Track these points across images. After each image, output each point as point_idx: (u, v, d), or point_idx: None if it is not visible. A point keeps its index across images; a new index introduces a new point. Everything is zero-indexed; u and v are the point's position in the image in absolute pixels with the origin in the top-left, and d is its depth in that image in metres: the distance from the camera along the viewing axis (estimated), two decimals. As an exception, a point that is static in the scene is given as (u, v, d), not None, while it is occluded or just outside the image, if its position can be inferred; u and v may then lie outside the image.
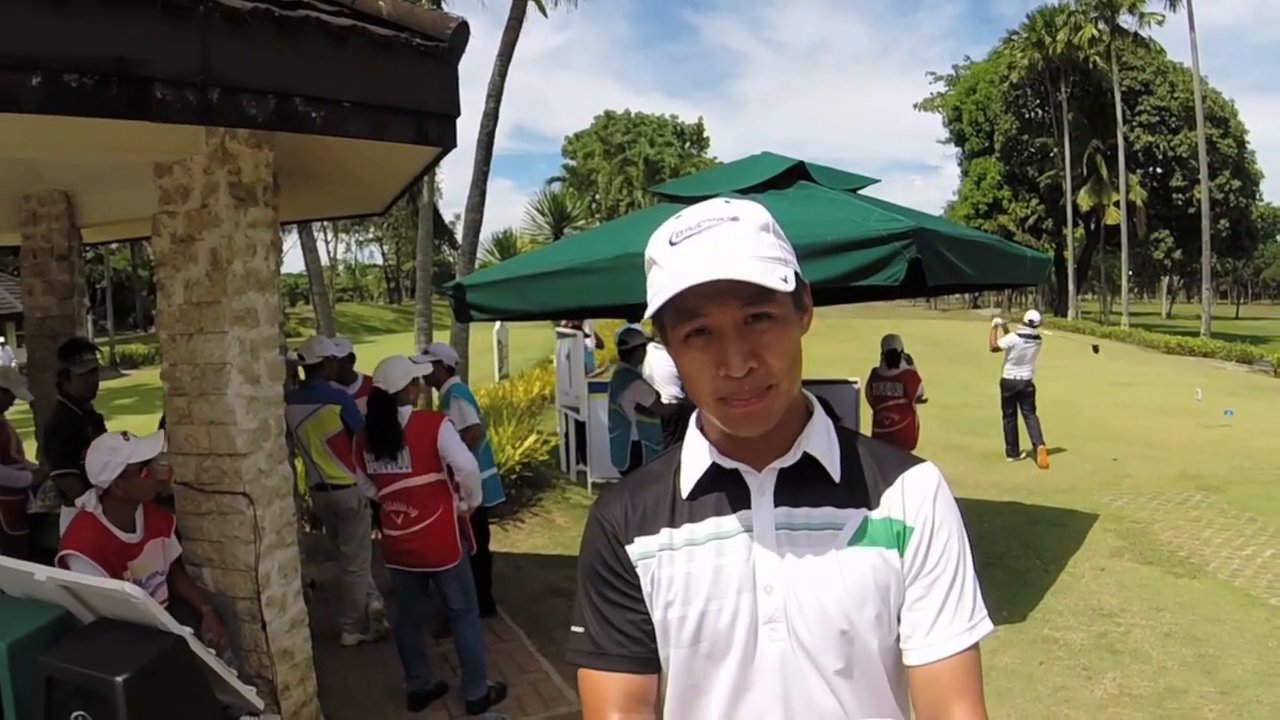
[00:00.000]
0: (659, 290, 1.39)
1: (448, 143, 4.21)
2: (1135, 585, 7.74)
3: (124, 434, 4.27)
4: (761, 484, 1.52)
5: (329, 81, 3.62)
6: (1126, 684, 5.87)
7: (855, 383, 10.29)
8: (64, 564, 3.96)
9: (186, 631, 3.42)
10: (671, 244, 1.41)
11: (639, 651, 1.57)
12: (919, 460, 1.60)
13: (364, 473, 5.62)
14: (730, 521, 1.53)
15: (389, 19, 3.81)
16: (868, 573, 1.49)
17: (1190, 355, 33.56)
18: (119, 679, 3.06)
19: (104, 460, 4.07)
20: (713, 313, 1.38)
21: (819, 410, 1.59)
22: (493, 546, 7.62)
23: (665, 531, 1.56)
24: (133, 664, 3.13)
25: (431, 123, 4.03)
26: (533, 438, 11.84)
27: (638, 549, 1.57)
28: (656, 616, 1.56)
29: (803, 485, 1.52)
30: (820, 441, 1.54)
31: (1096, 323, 50.65)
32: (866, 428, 9.99)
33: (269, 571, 4.60)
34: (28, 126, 3.50)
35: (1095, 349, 15.51)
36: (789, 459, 1.52)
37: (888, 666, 1.52)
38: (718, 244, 1.37)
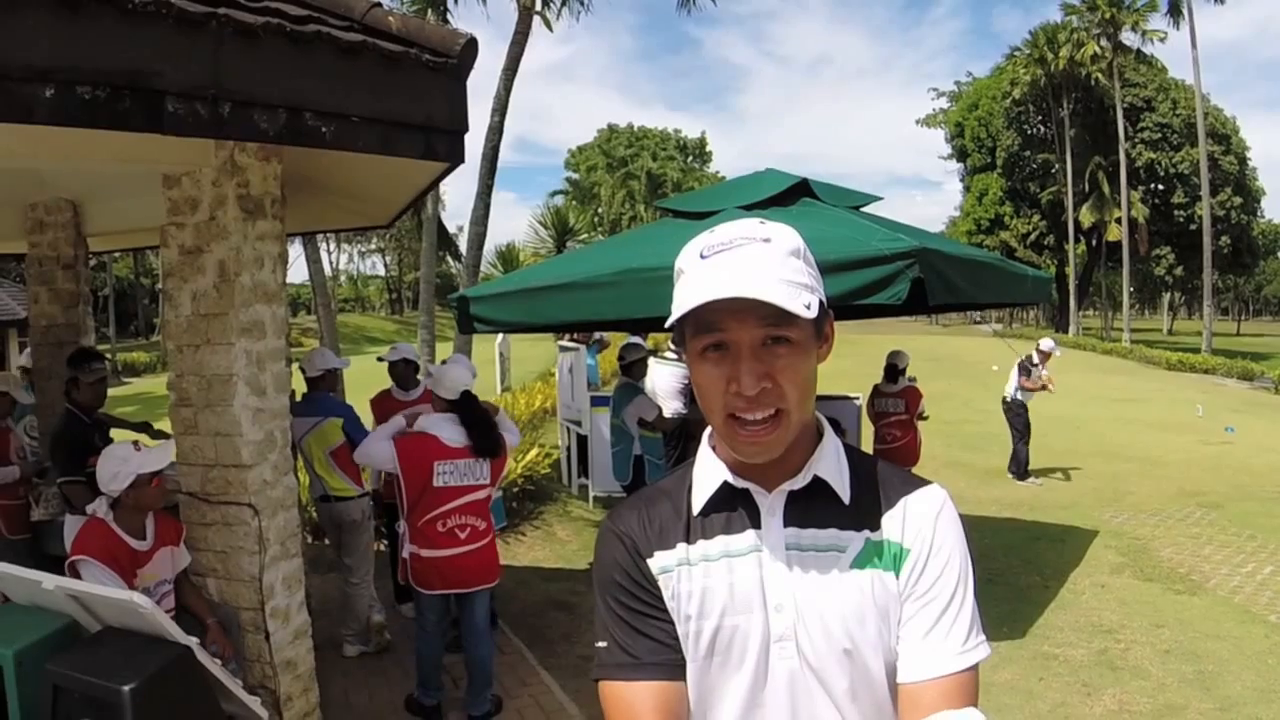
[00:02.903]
0: (683, 301, 1.41)
1: (456, 158, 4.22)
2: (1135, 602, 7.75)
3: (135, 444, 4.27)
4: (772, 505, 1.54)
5: (339, 96, 3.63)
6: (1126, 701, 5.88)
7: (857, 399, 10.30)
8: (74, 569, 3.96)
9: (193, 641, 3.44)
10: (702, 257, 1.43)
11: (672, 658, 1.55)
12: (925, 482, 1.60)
13: (417, 485, 5.35)
14: (740, 540, 1.54)
15: (399, 34, 3.83)
16: (868, 594, 1.50)
17: (1191, 372, 33.58)
18: (126, 688, 3.07)
19: (114, 470, 4.09)
20: (732, 329, 1.40)
21: (829, 432, 1.60)
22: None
23: (681, 546, 1.57)
24: (140, 673, 3.15)
25: (440, 138, 4.04)
26: (534, 451, 11.83)
27: (657, 563, 1.58)
28: (679, 630, 1.56)
29: (812, 506, 1.54)
30: (830, 464, 1.55)
31: (1098, 339, 50.63)
32: (868, 444, 10.00)
33: (273, 583, 4.61)
34: (38, 136, 3.52)
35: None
36: (799, 481, 1.53)
37: (892, 687, 1.52)
38: (747, 263, 1.39)
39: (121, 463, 4.11)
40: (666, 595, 1.57)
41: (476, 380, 5.85)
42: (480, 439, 5.47)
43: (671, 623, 1.56)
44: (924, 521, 1.53)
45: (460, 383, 5.56)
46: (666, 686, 1.54)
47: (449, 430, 5.45)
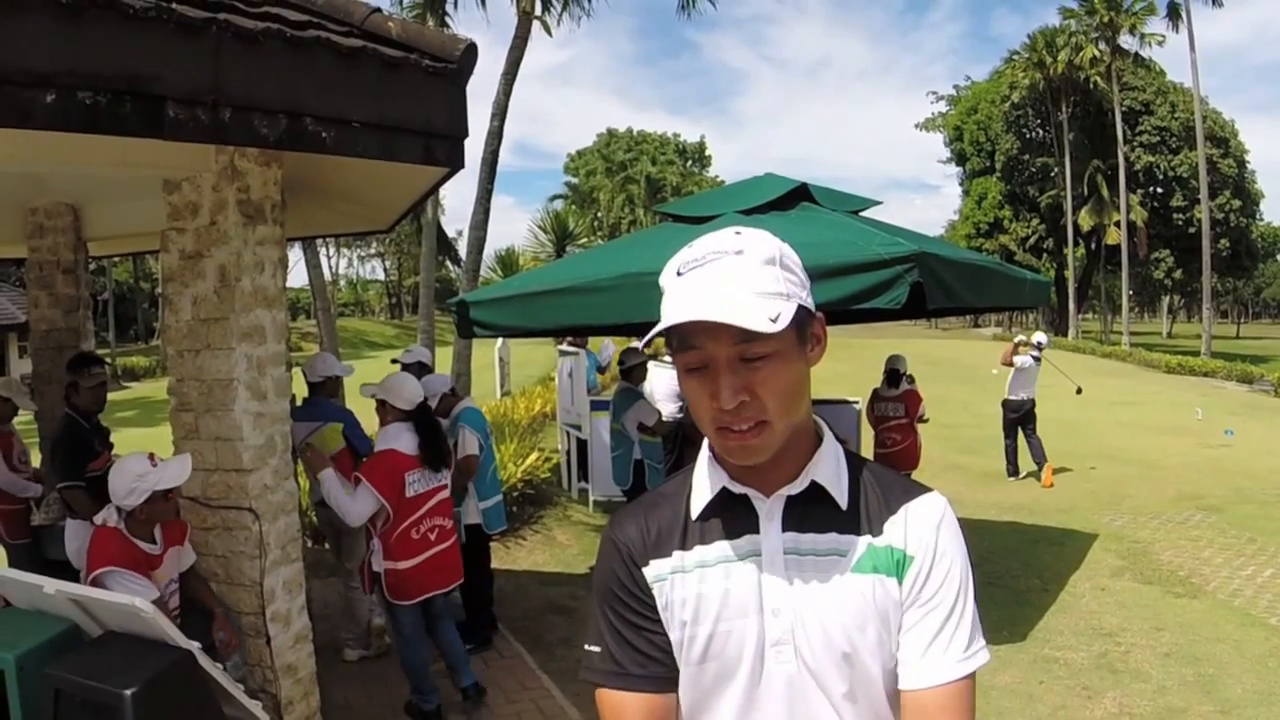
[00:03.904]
0: (661, 319, 1.44)
1: (455, 163, 4.22)
2: (1135, 605, 7.76)
3: (150, 456, 4.18)
4: (770, 510, 1.54)
5: (339, 101, 3.64)
6: (1126, 704, 5.88)
7: (856, 403, 10.30)
8: (100, 582, 3.92)
9: (194, 646, 3.44)
10: (679, 274, 1.45)
11: (660, 671, 1.58)
12: (925, 489, 1.62)
13: (394, 500, 5.38)
14: (739, 545, 1.55)
15: (398, 40, 3.84)
16: (868, 598, 1.51)
17: (1190, 375, 33.54)
18: (127, 692, 3.07)
19: (130, 486, 4.02)
20: (707, 346, 1.42)
21: (829, 437, 1.61)
22: (494, 564, 7.62)
23: (677, 554, 1.58)
24: (141, 677, 3.14)
25: (439, 143, 4.05)
26: (534, 455, 11.83)
27: (652, 571, 1.59)
28: (672, 636, 1.57)
29: (810, 511, 1.54)
30: (828, 469, 1.56)
31: (1097, 342, 50.64)
32: (868, 448, 10.01)
33: (274, 587, 4.61)
34: (39, 141, 3.52)
35: (1079, 391, 15.30)
36: (797, 486, 1.54)
37: (889, 691, 1.53)
38: (717, 280, 1.40)
39: (138, 479, 4.03)
40: (660, 603, 1.59)
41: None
42: (431, 451, 5.57)
43: (663, 634, 1.58)
44: (926, 529, 1.54)
45: (416, 394, 5.62)
46: (653, 699, 1.58)
47: (408, 440, 5.51)
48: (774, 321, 1.38)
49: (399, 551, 5.42)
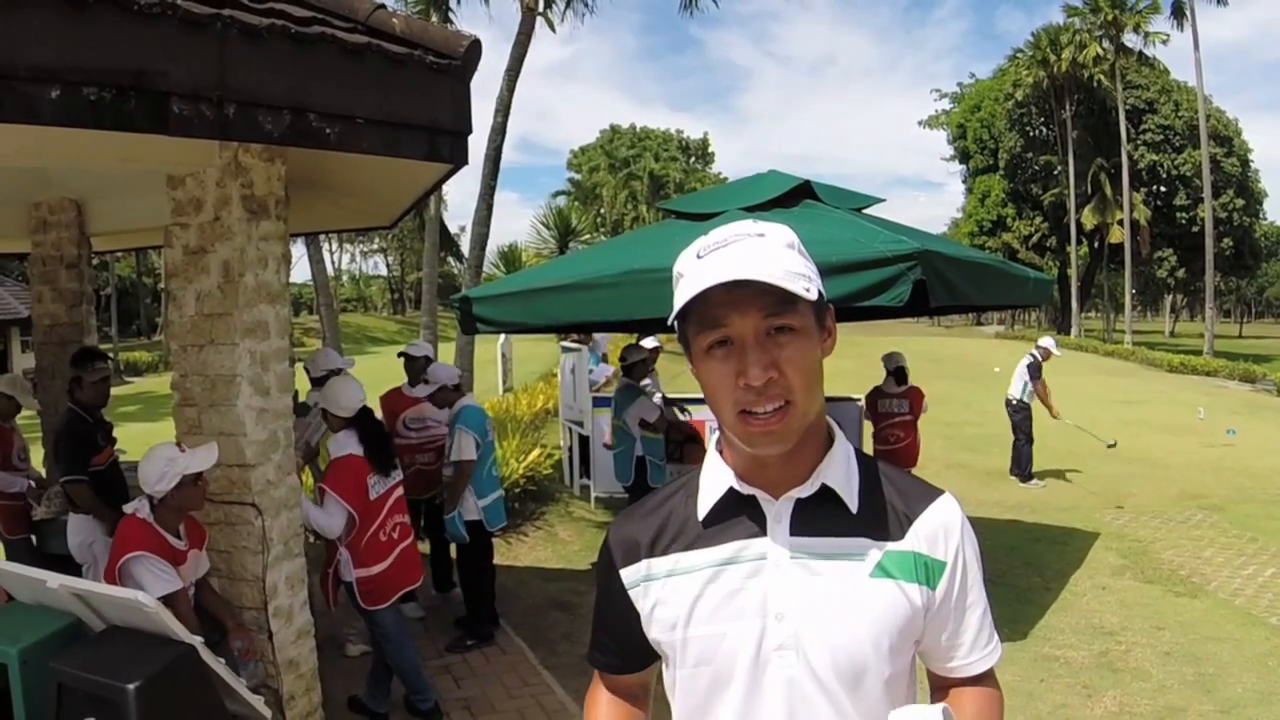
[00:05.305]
0: (683, 295, 1.42)
1: (459, 160, 4.22)
2: (1136, 604, 7.76)
3: (178, 444, 4.23)
4: (778, 512, 1.53)
5: (343, 97, 3.64)
6: (1127, 702, 5.89)
7: (858, 400, 10.29)
8: (127, 567, 3.94)
9: (197, 640, 3.44)
10: (699, 257, 1.44)
11: (611, 661, 1.78)
12: (940, 491, 1.63)
13: (359, 505, 5.34)
14: (745, 547, 1.54)
15: (403, 36, 3.84)
16: (887, 605, 1.51)
17: (1193, 374, 33.50)
18: (131, 686, 3.08)
19: (160, 471, 4.04)
20: (735, 322, 1.40)
21: (840, 438, 1.60)
22: (496, 560, 7.62)
23: (673, 555, 1.58)
24: (144, 672, 3.15)
25: (443, 139, 4.05)
26: (536, 451, 11.83)
27: (642, 571, 1.61)
28: (664, 637, 1.59)
29: (820, 514, 1.53)
30: (839, 472, 1.55)
31: (1100, 341, 50.56)
32: (867, 444, 10.00)
33: (276, 582, 4.62)
34: (43, 136, 3.53)
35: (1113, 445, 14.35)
36: (807, 489, 1.52)
37: (893, 694, 1.53)
38: (744, 254, 1.40)
39: (168, 463, 4.06)
40: (646, 606, 1.61)
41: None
42: (378, 455, 5.50)
43: (628, 633, 1.67)
44: (953, 534, 1.57)
45: (356, 400, 5.53)
46: (605, 676, 1.82)
47: (357, 445, 5.47)
48: (808, 291, 1.40)
49: (370, 556, 5.39)
